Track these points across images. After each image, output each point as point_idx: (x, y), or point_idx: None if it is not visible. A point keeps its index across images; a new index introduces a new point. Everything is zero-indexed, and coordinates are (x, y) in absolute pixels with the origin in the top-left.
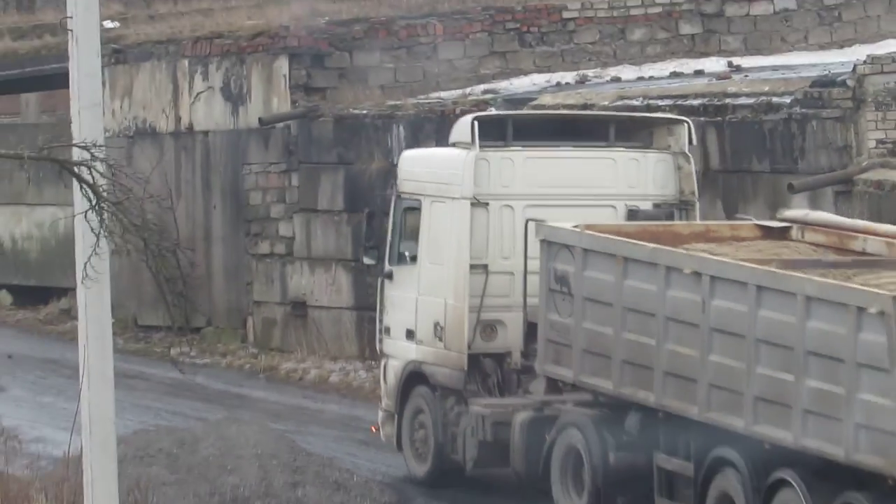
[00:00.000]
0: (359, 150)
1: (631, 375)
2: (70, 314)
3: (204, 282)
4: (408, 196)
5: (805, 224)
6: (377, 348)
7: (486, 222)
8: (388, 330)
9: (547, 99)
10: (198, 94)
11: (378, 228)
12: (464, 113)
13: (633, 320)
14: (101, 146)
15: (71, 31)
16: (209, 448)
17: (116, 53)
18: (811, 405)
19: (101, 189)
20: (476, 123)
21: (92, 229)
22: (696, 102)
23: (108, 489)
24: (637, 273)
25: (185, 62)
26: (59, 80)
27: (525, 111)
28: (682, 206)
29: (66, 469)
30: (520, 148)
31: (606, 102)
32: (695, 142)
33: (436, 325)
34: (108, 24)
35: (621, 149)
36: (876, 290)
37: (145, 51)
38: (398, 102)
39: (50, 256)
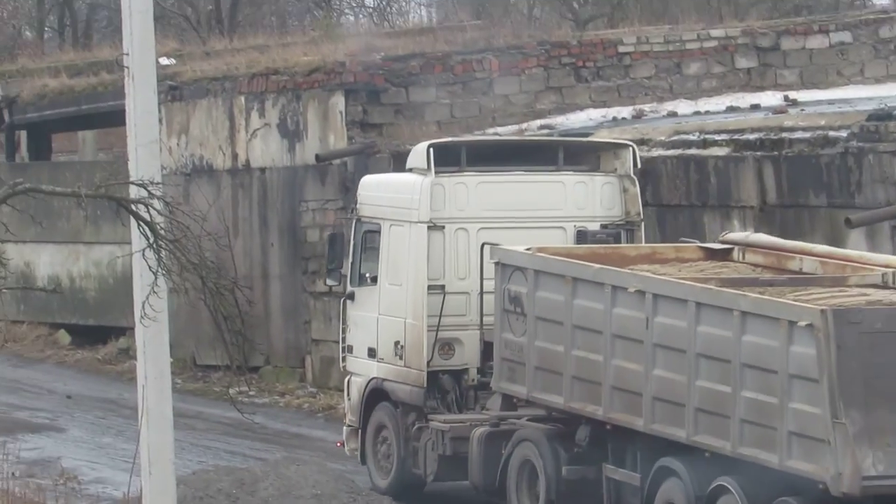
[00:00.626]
0: None
1: (580, 390)
2: (128, 353)
3: (262, 320)
4: (368, 220)
5: (746, 245)
6: (340, 367)
7: (442, 245)
8: (350, 348)
9: (604, 134)
10: (254, 130)
11: (340, 251)
12: None
13: (582, 338)
14: (158, 184)
15: (127, 68)
16: (268, 489)
17: (173, 90)
18: (747, 415)
19: (158, 227)
20: (431, 150)
21: (150, 267)
22: (752, 137)
23: None
24: (585, 293)
25: (242, 99)
26: (115, 118)
27: (478, 137)
28: (628, 227)
29: None
30: (473, 173)
31: (663, 137)
32: (639, 165)
33: (396, 343)
34: (165, 60)
35: (570, 172)
36: (805, 305)
37: (201, 87)
38: (455, 139)
39: (108, 295)
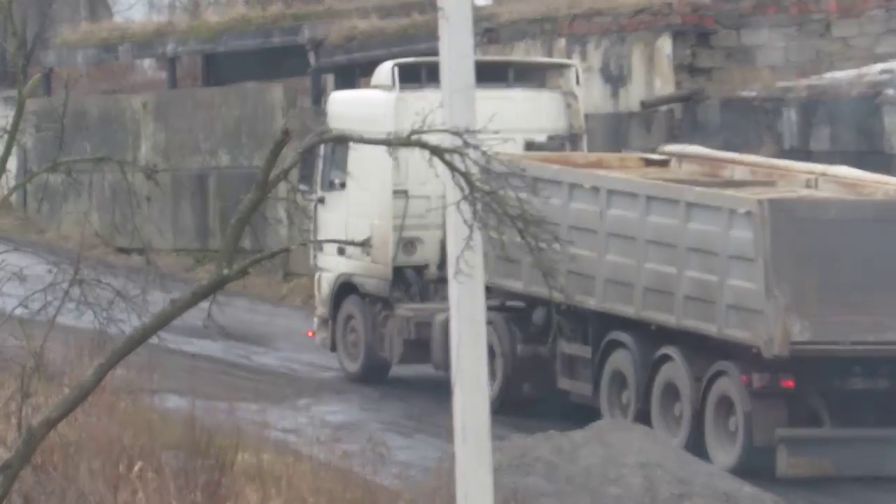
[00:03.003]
0: (746, 135)
1: (538, 276)
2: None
3: None
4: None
5: (682, 156)
6: (311, 264)
7: (405, 153)
8: (320, 247)
9: None
10: None
11: (311, 159)
12: (860, 95)
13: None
14: (474, 132)
15: (441, 8)
16: (590, 456)
17: (488, 32)
18: (690, 292)
19: (474, 178)
20: (396, 68)
21: (465, 221)
22: None
23: (482, 500)
24: (544, 190)
25: (562, 41)
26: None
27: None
28: (571, 139)
29: (437, 479)
30: (433, 89)
31: None
32: (581, 82)
33: (364, 241)
34: (481, 1)
35: (518, 89)
36: (745, 196)
37: (519, 29)
38: (789, 84)
39: None
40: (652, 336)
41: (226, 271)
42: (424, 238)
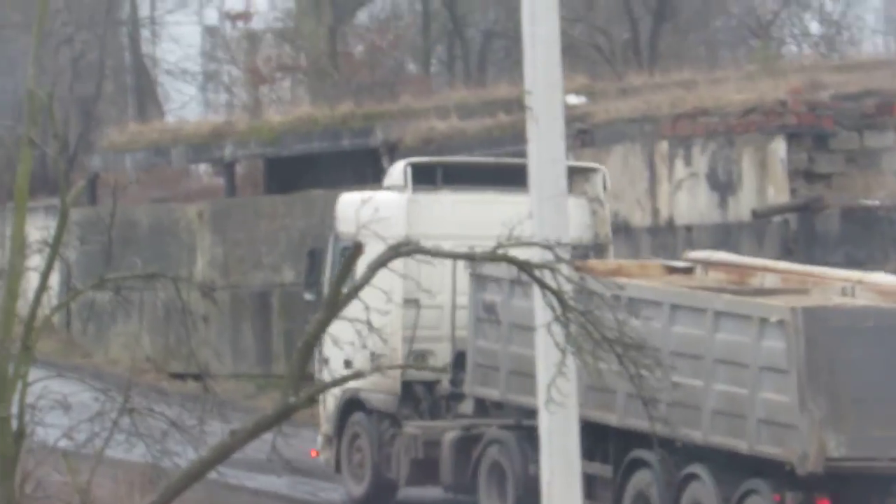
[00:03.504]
0: (871, 248)
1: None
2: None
3: None
4: (345, 236)
5: (708, 263)
6: (315, 379)
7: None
8: (326, 361)
9: None
10: (679, 181)
11: (318, 266)
12: None
13: None
14: (566, 245)
15: (530, 108)
16: None
17: (582, 134)
18: (718, 406)
19: (567, 296)
20: (409, 168)
21: (556, 344)
22: None
23: None
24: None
25: (664, 143)
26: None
27: (453, 158)
28: (597, 248)
29: None
30: (448, 192)
31: None
32: (609, 188)
33: (372, 354)
34: (573, 99)
35: None
36: (776, 303)
37: (616, 131)
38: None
39: None
40: (677, 454)
41: (292, 399)
42: (436, 351)
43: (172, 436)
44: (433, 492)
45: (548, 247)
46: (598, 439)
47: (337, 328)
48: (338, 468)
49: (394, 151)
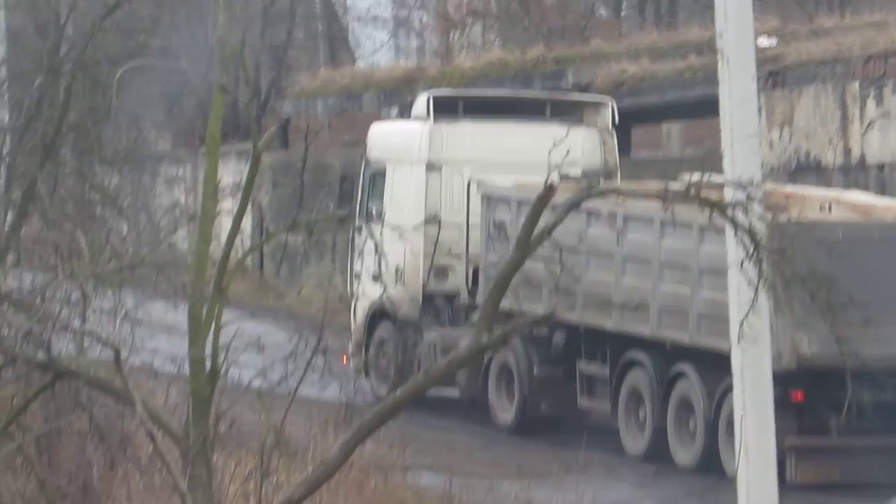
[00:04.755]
0: None
1: (558, 300)
2: None
3: None
4: (375, 162)
5: (703, 186)
6: (348, 292)
7: (439, 183)
8: (357, 275)
9: None
10: (870, 121)
11: (349, 191)
12: None
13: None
14: (758, 184)
15: (720, 50)
16: None
17: (773, 76)
18: (703, 311)
19: (759, 235)
20: (431, 100)
21: (749, 282)
22: None
23: None
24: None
25: (856, 84)
26: (706, 108)
27: (473, 91)
28: (605, 175)
29: None
30: (468, 121)
31: None
32: (617, 120)
33: (397, 269)
34: (764, 41)
35: (555, 124)
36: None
37: (807, 72)
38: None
39: None
40: (667, 354)
41: (484, 338)
42: (456, 266)
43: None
44: (451, 391)
45: (741, 186)
46: (596, 343)
47: (367, 247)
48: (366, 373)
49: (585, 93)
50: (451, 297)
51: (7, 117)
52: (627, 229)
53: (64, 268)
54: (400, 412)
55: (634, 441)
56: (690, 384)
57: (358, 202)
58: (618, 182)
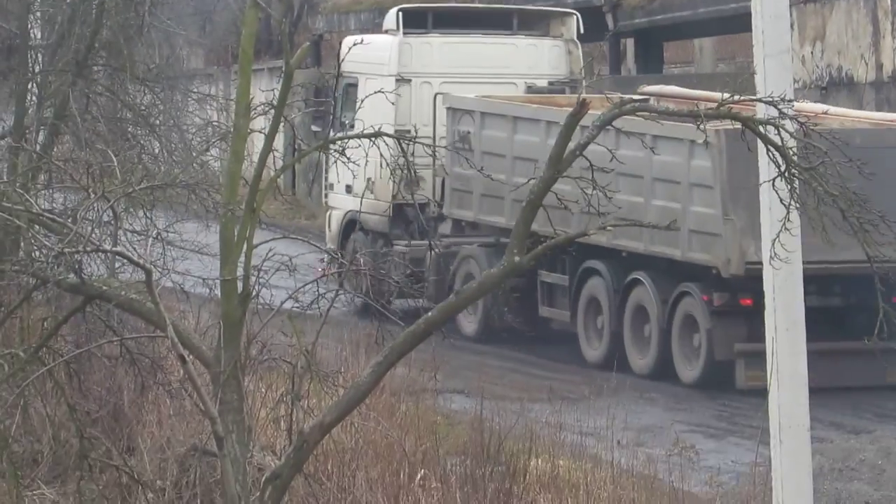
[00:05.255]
0: None
1: (519, 211)
2: None
3: None
4: (347, 75)
5: (660, 96)
6: (323, 202)
7: (409, 95)
8: (331, 186)
9: None
10: None
11: (326, 103)
12: None
13: (521, 167)
14: (790, 101)
15: None
16: None
17: None
18: (657, 219)
19: (790, 152)
20: (401, 14)
21: (781, 200)
22: None
23: None
24: (524, 128)
25: (887, 1)
26: (738, 23)
27: (441, 4)
28: (571, 84)
29: (751, 485)
30: (437, 34)
31: None
32: (582, 31)
33: (368, 180)
34: None
35: (522, 36)
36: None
37: None
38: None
39: None
40: (623, 262)
41: (517, 258)
42: (426, 176)
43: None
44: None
45: (772, 102)
46: (556, 253)
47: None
48: (341, 284)
49: (617, 9)
50: (422, 208)
51: (39, 35)
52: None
53: (95, 188)
54: (430, 335)
55: (592, 349)
56: (645, 291)
57: (332, 113)
58: (582, 92)
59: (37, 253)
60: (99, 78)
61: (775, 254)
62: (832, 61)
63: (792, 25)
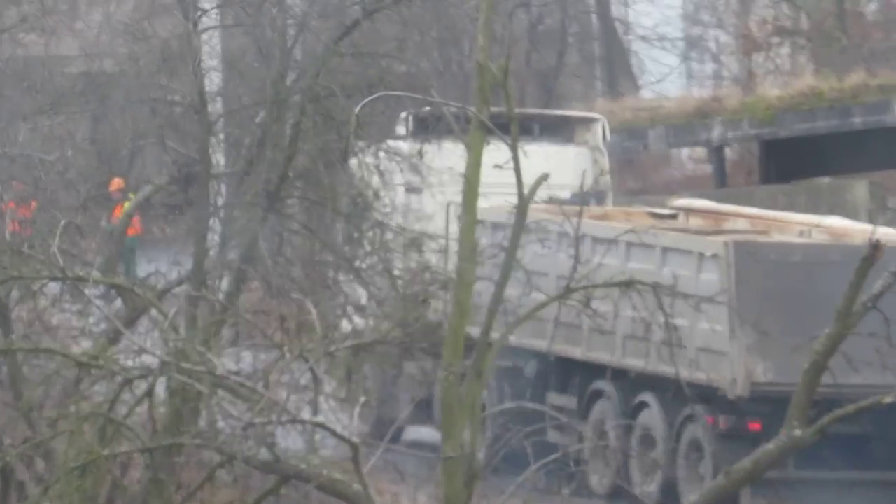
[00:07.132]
0: None
1: (530, 329)
2: None
3: None
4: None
5: (690, 210)
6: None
7: (420, 205)
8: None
9: None
10: None
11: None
12: None
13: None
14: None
15: None
16: None
17: None
18: (664, 337)
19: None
20: (411, 119)
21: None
22: None
23: None
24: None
25: None
26: None
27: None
28: (596, 195)
29: None
30: (450, 141)
31: None
32: (608, 137)
33: None
34: None
35: (544, 143)
36: (712, 238)
37: None
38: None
39: None
40: (631, 384)
41: (797, 432)
42: (438, 292)
43: None
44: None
45: None
46: (567, 374)
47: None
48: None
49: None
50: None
51: (222, 161)
52: (595, 252)
53: (291, 346)
54: None
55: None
56: (652, 414)
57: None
58: (610, 203)
59: (221, 423)
60: (293, 213)
61: None
62: None
63: None
